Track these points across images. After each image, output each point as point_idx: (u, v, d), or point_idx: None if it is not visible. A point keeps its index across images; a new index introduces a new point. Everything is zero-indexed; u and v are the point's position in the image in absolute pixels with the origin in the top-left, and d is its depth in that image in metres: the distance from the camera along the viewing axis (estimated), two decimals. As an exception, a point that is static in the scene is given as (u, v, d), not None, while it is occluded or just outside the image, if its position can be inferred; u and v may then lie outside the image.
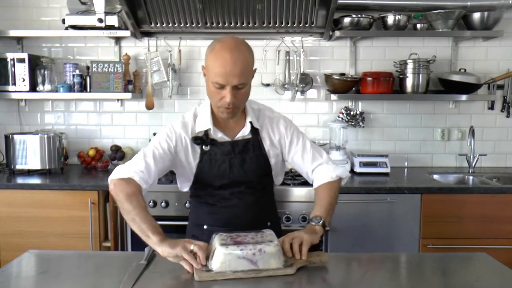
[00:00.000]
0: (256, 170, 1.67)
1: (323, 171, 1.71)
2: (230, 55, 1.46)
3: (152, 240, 1.40)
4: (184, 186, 1.76)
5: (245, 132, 1.66)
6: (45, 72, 3.06)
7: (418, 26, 3.04)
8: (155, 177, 1.60)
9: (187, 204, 2.56)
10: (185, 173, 1.69)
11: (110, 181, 1.56)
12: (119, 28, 2.97)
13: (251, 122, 1.66)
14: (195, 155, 1.65)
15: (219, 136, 1.65)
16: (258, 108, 1.74)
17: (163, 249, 1.37)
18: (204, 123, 1.64)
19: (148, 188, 1.58)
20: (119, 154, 3.15)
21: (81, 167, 3.20)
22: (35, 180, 2.76)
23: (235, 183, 1.66)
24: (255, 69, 1.60)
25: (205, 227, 1.70)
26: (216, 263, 1.34)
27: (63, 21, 2.97)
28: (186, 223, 2.63)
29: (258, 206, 1.71)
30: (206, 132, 1.63)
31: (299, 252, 1.40)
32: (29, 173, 2.92)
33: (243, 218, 1.67)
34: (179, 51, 3.17)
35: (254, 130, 1.67)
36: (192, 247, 1.35)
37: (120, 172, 1.56)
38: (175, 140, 1.63)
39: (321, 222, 1.53)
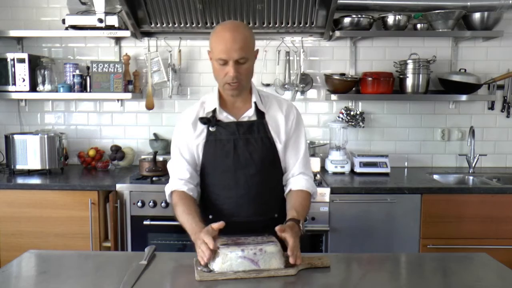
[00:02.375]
0: (261, 154, 1.67)
1: (308, 181, 1.72)
2: (230, 33, 1.58)
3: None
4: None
5: (250, 113, 1.70)
6: (45, 72, 3.06)
7: (418, 26, 3.04)
8: (193, 171, 1.71)
9: (187, 204, 2.56)
10: (196, 156, 1.73)
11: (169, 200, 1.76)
12: (119, 28, 2.97)
13: (255, 103, 1.70)
14: (201, 136, 1.70)
15: (224, 115, 1.70)
16: (266, 95, 1.79)
17: None
18: (211, 104, 1.71)
19: (194, 183, 1.72)
20: (119, 154, 3.15)
21: (81, 167, 3.20)
22: (35, 180, 2.76)
23: (239, 167, 1.66)
24: (257, 50, 1.69)
25: (210, 217, 1.70)
26: (217, 264, 1.34)
27: (63, 21, 2.97)
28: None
29: (264, 198, 1.70)
30: (213, 114, 1.69)
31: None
32: (29, 173, 2.92)
33: (247, 210, 1.67)
34: (179, 51, 3.17)
35: (260, 114, 1.71)
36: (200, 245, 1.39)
37: (166, 191, 1.74)
38: (183, 132, 1.72)
39: (304, 231, 1.55)
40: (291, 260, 1.38)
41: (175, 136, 1.76)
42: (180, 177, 1.70)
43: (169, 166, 1.76)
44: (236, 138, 1.67)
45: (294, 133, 1.74)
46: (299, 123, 1.76)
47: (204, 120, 1.68)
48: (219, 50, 1.58)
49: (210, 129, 1.68)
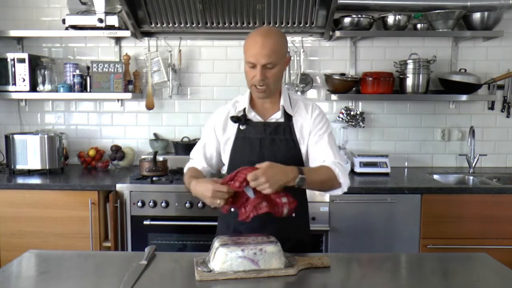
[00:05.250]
0: (285, 154, 1.73)
1: (333, 163, 1.66)
2: (261, 38, 1.64)
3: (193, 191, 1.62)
4: (224, 168, 1.89)
5: (278, 115, 1.77)
6: (45, 72, 3.06)
7: (418, 26, 3.04)
8: (209, 166, 1.84)
9: (187, 204, 2.56)
10: (224, 156, 1.83)
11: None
12: (119, 28, 2.97)
13: (283, 106, 1.77)
14: (230, 132, 1.79)
15: (253, 115, 1.78)
16: (297, 98, 1.85)
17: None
18: (242, 103, 1.80)
19: (208, 169, 1.85)
20: (119, 154, 3.15)
21: (81, 167, 3.20)
22: (35, 180, 2.76)
23: None
24: (289, 57, 1.78)
25: (232, 209, 1.67)
26: (217, 263, 1.34)
27: (63, 21, 2.98)
28: (186, 223, 2.64)
29: None
30: (244, 113, 1.77)
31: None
32: (29, 173, 2.92)
33: None
34: (179, 51, 3.17)
35: (287, 117, 1.78)
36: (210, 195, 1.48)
37: (185, 169, 1.87)
38: (213, 133, 1.82)
39: (300, 177, 1.51)
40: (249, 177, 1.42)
41: (205, 131, 1.86)
42: (198, 163, 1.84)
43: (192, 153, 1.89)
44: (262, 138, 1.75)
45: (318, 130, 1.75)
46: (321, 120, 1.77)
47: (234, 119, 1.76)
48: (249, 54, 1.66)
49: (241, 127, 1.77)
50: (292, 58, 3.15)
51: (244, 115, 1.77)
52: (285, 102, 1.77)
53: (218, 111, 1.86)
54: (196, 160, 1.86)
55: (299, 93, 3.15)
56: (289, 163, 1.66)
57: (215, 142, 1.82)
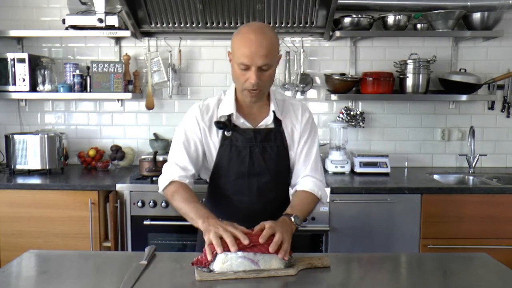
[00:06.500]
0: (276, 162, 1.65)
1: (315, 183, 1.68)
2: (255, 36, 1.47)
3: (198, 224, 1.44)
4: (205, 174, 1.74)
5: (268, 121, 1.65)
6: (45, 72, 3.06)
7: (418, 26, 3.04)
8: (195, 166, 1.65)
9: (187, 204, 2.56)
10: (207, 158, 1.68)
11: (162, 192, 1.66)
12: (119, 28, 2.97)
13: (274, 112, 1.65)
14: (215, 139, 1.65)
15: (241, 122, 1.64)
16: (282, 98, 1.72)
17: (202, 229, 1.42)
18: (228, 108, 1.63)
19: (195, 176, 1.66)
20: (119, 154, 3.15)
21: (81, 167, 3.20)
22: (35, 180, 2.76)
23: (254, 174, 1.64)
24: (280, 56, 1.61)
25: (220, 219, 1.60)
26: (217, 264, 1.34)
27: (63, 21, 2.98)
28: (186, 223, 2.64)
29: (275, 205, 1.66)
30: (229, 118, 1.63)
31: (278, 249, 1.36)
32: (29, 173, 2.92)
33: (257, 216, 1.53)
34: (179, 51, 3.17)
35: (277, 121, 1.66)
36: (221, 232, 1.34)
37: (162, 182, 1.64)
38: (198, 128, 1.65)
39: (299, 224, 1.51)
40: (280, 255, 1.34)
41: (185, 127, 1.66)
42: (183, 171, 1.62)
43: (171, 155, 1.66)
44: (252, 145, 1.63)
45: (306, 138, 1.70)
46: (311, 127, 1.71)
47: (220, 125, 1.62)
48: (241, 54, 1.48)
49: (226, 133, 1.63)
50: (292, 58, 3.15)
51: (230, 120, 1.62)
52: (275, 106, 1.65)
53: (201, 106, 1.66)
54: (181, 167, 1.62)
55: (299, 93, 3.15)
56: (280, 172, 1.68)
57: (199, 137, 1.64)
